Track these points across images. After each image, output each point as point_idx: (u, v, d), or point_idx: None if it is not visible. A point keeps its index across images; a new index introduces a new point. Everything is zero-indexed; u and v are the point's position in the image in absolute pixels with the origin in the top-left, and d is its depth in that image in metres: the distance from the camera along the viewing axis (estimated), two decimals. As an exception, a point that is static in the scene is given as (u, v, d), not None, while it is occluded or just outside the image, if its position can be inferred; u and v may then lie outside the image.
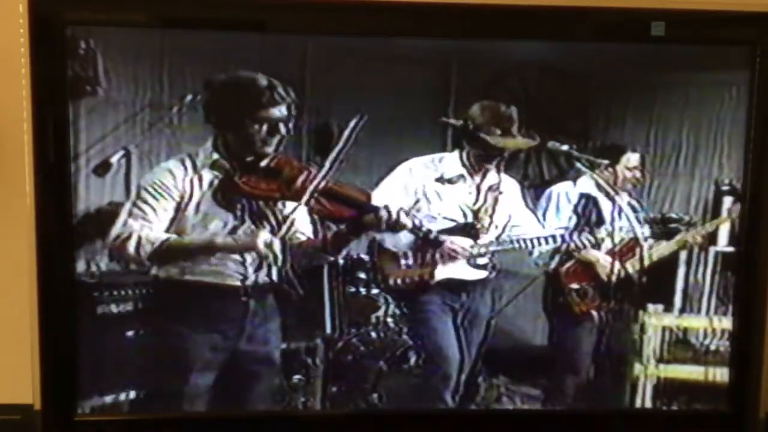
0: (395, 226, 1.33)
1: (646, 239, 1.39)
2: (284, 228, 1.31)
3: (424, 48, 1.30)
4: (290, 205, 1.31)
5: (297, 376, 1.37)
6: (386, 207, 1.32)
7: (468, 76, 1.30)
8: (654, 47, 1.30)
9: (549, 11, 1.28)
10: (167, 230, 1.29)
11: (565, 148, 1.34)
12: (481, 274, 1.40)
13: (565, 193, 1.38)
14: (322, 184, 1.30)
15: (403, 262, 1.37)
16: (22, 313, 1.26)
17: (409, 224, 1.34)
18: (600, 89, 1.33)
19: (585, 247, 1.39)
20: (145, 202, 1.28)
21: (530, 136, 1.33)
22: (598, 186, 1.38)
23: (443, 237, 1.36)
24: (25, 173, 1.22)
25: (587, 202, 1.39)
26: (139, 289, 1.31)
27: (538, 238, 1.38)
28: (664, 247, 1.40)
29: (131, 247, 1.28)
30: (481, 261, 1.39)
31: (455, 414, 1.43)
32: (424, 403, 1.41)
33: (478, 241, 1.38)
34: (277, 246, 1.31)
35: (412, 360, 1.39)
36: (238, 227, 1.30)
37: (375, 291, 1.38)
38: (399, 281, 1.38)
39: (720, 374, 1.42)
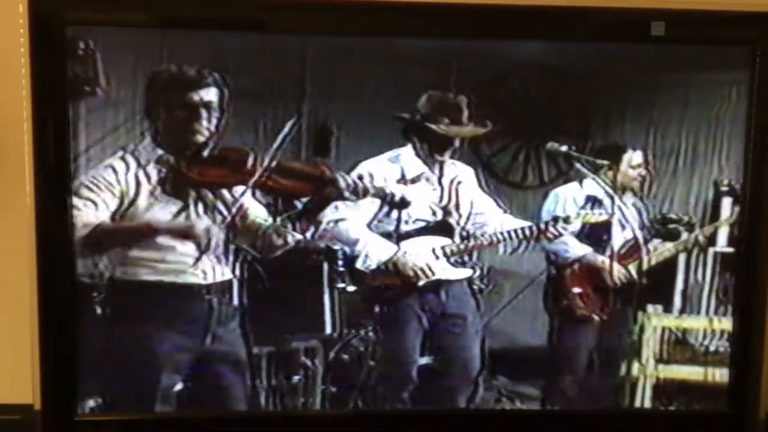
0: (358, 193, 1.30)
1: (646, 240, 1.39)
2: (235, 213, 1.28)
3: (424, 48, 1.30)
4: (240, 190, 1.29)
5: (297, 376, 1.37)
6: (343, 175, 1.29)
7: (468, 76, 1.30)
8: (654, 47, 1.30)
9: (549, 11, 1.28)
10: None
11: (564, 148, 1.34)
12: (459, 273, 1.38)
13: (567, 196, 1.38)
14: (273, 163, 1.27)
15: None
16: (22, 313, 1.26)
17: (371, 190, 1.31)
18: (600, 89, 1.33)
19: (557, 237, 1.38)
20: (84, 197, 1.26)
21: (481, 123, 1.32)
22: (602, 187, 1.37)
23: (408, 198, 1.34)
24: (25, 173, 1.22)
25: (592, 203, 1.38)
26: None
27: (510, 231, 1.37)
28: (665, 250, 1.40)
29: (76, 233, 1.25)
30: (456, 258, 1.38)
31: (455, 414, 1.43)
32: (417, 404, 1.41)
33: (453, 239, 1.37)
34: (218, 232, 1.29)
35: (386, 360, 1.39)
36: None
37: (352, 289, 1.37)
38: (378, 284, 1.37)
39: (720, 374, 1.42)
